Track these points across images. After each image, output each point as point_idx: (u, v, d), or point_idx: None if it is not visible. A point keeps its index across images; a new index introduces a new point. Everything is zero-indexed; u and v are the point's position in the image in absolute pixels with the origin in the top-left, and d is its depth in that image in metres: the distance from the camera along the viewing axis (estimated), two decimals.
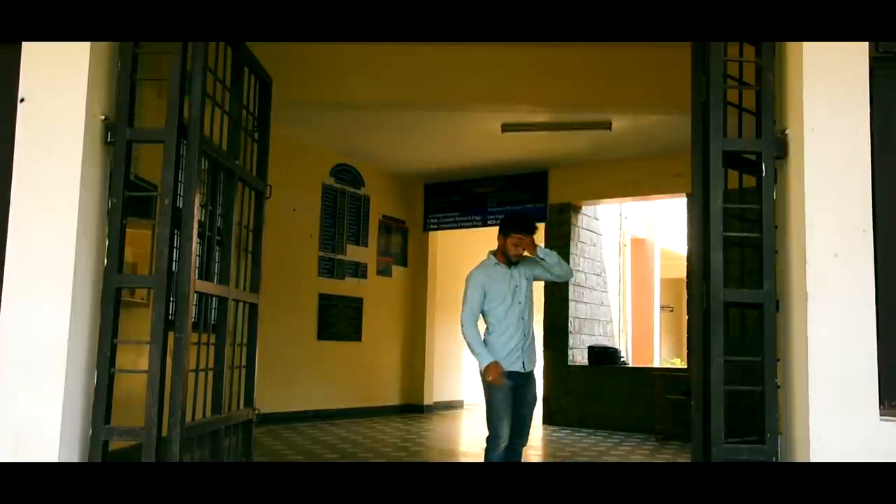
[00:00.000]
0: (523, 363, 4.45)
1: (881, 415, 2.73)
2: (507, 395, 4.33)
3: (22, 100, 3.00)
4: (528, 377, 4.49)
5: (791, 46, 2.98)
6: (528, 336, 4.51)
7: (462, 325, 4.41)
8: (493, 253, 4.53)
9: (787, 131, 3.00)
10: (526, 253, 4.55)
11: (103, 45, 3.08)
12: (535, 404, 4.55)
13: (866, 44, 2.87)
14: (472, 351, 4.40)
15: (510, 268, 4.49)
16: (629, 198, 10.71)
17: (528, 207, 9.93)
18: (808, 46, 2.87)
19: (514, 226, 4.48)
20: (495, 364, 4.30)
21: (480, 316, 4.54)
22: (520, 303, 4.46)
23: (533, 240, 4.48)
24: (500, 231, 4.53)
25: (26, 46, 3.01)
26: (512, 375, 4.37)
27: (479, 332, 4.42)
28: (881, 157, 2.87)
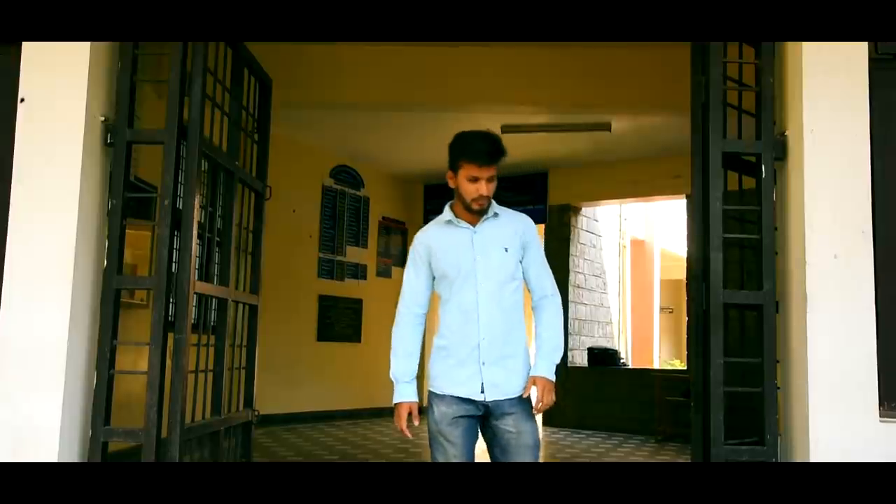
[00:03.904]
0: (482, 385, 2.66)
1: (880, 416, 2.74)
2: (455, 430, 2.68)
3: (22, 100, 3.00)
4: (502, 408, 2.67)
5: (790, 48, 2.99)
6: (500, 341, 2.69)
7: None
8: (451, 205, 2.79)
9: (786, 133, 3.00)
10: (510, 217, 2.80)
11: (103, 46, 3.08)
12: (531, 449, 2.65)
13: (866, 45, 2.87)
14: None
15: (475, 227, 2.73)
16: (629, 199, 10.71)
17: (527, 209, 9.93)
18: (807, 48, 2.87)
19: (465, 151, 2.66)
20: (402, 407, 2.73)
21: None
22: (481, 285, 2.69)
23: (492, 176, 2.68)
24: (449, 163, 2.73)
25: (26, 47, 3.01)
26: (461, 403, 2.69)
27: (413, 338, 2.83)
28: (881, 159, 2.87)
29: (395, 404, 2.77)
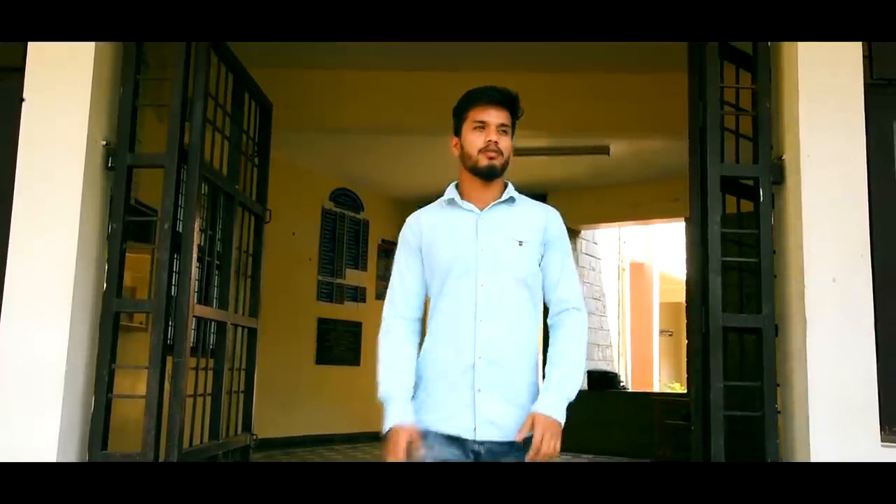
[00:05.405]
0: (474, 420, 2.08)
1: (882, 441, 2.72)
2: None
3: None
4: (498, 454, 2.11)
5: (787, 72, 3.01)
6: (503, 362, 2.11)
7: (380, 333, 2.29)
8: (457, 184, 2.26)
9: (783, 157, 3.01)
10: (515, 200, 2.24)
11: (105, 70, 3.10)
12: None
13: (861, 70, 2.90)
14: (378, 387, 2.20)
15: (481, 211, 2.19)
16: (628, 222, 10.73)
17: None
18: (803, 72, 2.90)
19: (471, 96, 2.20)
20: (399, 433, 2.10)
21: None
22: (483, 285, 2.12)
23: (504, 126, 2.18)
24: (454, 127, 2.25)
25: (29, 72, 3.03)
26: (449, 443, 2.11)
27: (407, 346, 2.25)
28: (878, 182, 2.89)
29: (389, 430, 2.11)
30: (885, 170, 2.92)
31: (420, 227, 2.25)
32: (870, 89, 2.91)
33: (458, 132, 2.23)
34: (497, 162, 2.16)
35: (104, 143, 3.10)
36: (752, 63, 3.13)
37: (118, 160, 3.10)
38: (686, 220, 8.09)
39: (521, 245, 2.16)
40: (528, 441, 2.05)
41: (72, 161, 2.97)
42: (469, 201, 2.21)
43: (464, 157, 2.20)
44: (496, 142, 2.14)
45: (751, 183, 3.10)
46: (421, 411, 2.15)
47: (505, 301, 2.13)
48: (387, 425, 2.13)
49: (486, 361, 2.10)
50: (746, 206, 3.21)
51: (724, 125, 3.11)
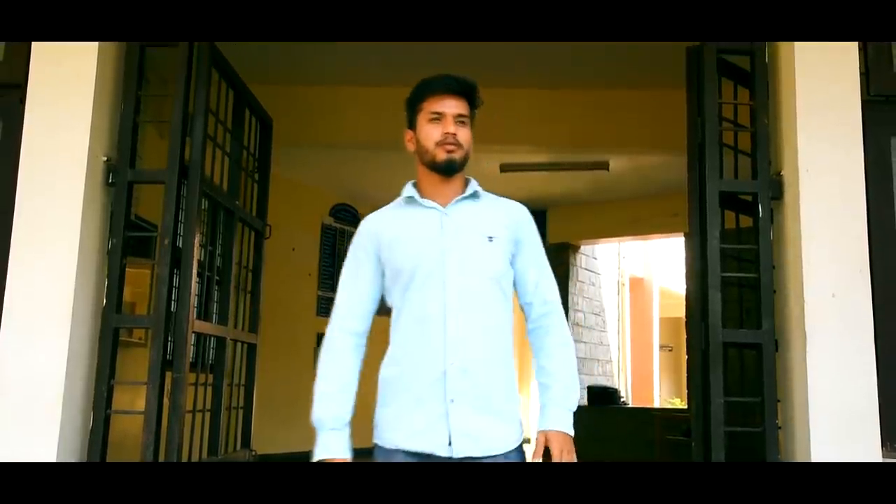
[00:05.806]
0: (449, 435, 1.90)
1: (883, 457, 2.72)
2: None
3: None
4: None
5: (784, 88, 3.02)
6: (478, 369, 1.94)
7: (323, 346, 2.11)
8: (414, 183, 2.13)
9: (782, 172, 3.02)
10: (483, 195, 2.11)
11: (106, 86, 3.12)
12: None
13: (858, 84, 2.92)
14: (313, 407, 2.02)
15: (445, 208, 2.04)
16: (628, 237, 10.73)
17: None
18: (801, 87, 2.91)
19: (424, 86, 2.05)
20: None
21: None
22: (452, 285, 1.96)
23: (462, 116, 2.02)
24: (408, 121, 2.10)
25: (31, 88, 3.04)
26: (419, 461, 1.94)
27: (346, 366, 2.08)
28: (876, 198, 2.89)
29: (317, 461, 1.95)
30: (884, 185, 2.92)
31: (377, 230, 2.10)
32: (867, 106, 2.92)
33: (412, 125, 2.08)
34: (456, 155, 2.00)
35: (105, 158, 3.11)
36: (750, 79, 3.15)
37: (119, 176, 3.11)
38: (685, 235, 8.09)
39: (490, 241, 2.01)
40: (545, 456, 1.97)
41: (72, 176, 2.98)
42: (429, 198, 2.06)
43: (420, 151, 2.05)
44: (454, 134, 1.99)
45: (750, 198, 3.11)
46: (386, 427, 1.99)
47: (476, 301, 1.97)
48: (315, 457, 1.97)
49: (458, 368, 1.92)
50: (745, 221, 3.22)
51: (723, 141, 3.12)
